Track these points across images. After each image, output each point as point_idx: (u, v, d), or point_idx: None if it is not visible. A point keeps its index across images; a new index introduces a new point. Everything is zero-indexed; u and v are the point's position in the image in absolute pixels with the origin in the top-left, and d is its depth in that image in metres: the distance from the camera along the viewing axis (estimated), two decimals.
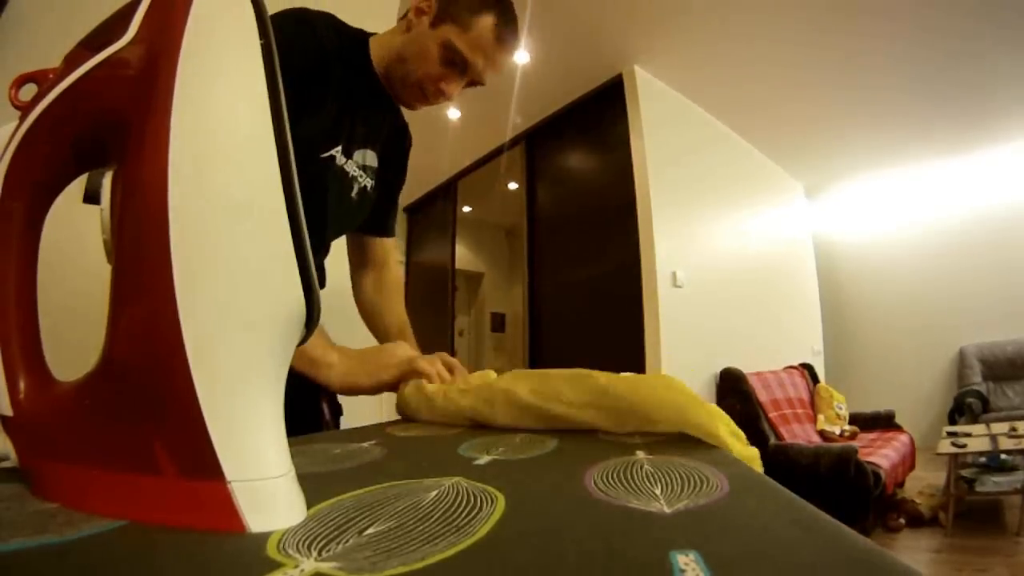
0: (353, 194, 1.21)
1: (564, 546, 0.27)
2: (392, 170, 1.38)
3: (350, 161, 1.17)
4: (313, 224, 0.93)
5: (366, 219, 1.36)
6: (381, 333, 1.40)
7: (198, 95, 0.32)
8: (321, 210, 1.13)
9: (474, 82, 1.18)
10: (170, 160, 0.30)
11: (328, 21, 1.14)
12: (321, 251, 1.26)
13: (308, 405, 1.18)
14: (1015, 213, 5.72)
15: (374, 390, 1.01)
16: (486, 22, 1.10)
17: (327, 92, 1.07)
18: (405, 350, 1.06)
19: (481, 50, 1.12)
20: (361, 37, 1.20)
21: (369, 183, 1.26)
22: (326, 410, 1.22)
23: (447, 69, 1.13)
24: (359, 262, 1.46)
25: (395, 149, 1.37)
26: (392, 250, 1.49)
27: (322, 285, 1.28)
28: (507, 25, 1.14)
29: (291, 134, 0.86)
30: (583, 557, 0.25)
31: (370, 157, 1.25)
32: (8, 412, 0.37)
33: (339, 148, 1.13)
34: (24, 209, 0.40)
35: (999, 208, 5.84)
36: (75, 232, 1.01)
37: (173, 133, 0.31)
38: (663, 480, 0.38)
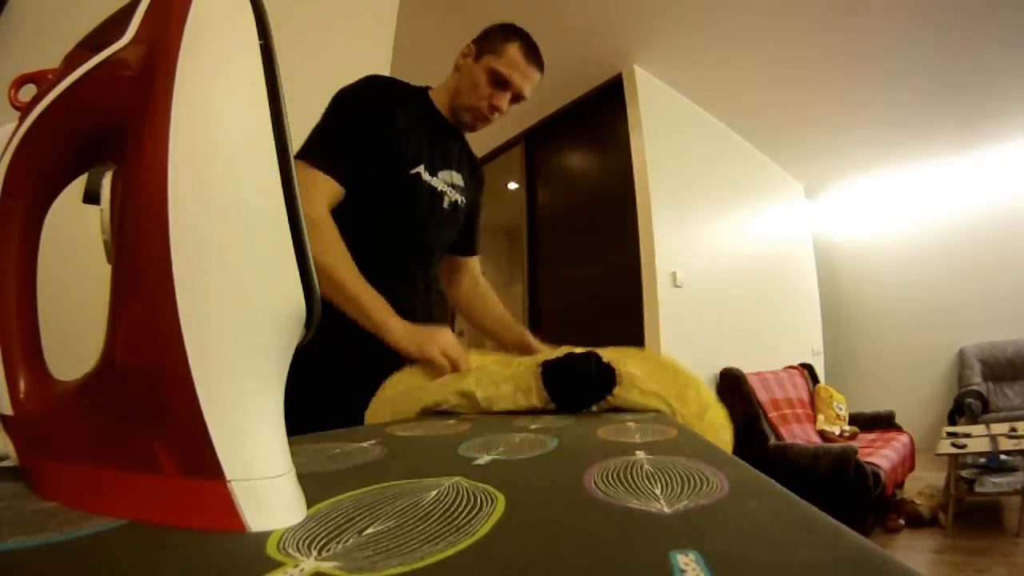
0: (445, 205, 1.47)
1: (564, 546, 0.27)
2: (477, 190, 1.68)
3: (436, 178, 1.44)
4: (413, 235, 1.23)
5: (459, 239, 1.64)
6: (496, 333, 1.74)
7: (197, 95, 0.32)
8: (417, 221, 1.41)
9: (516, 96, 1.48)
10: (170, 160, 0.30)
11: (387, 78, 1.51)
12: (429, 262, 1.50)
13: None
14: (1015, 213, 5.73)
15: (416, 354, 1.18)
16: (514, 47, 1.43)
17: (397, 122, 1.37)
18: (443, 337, 1.21)
19: (516, 67, 1.43)
20: (421, 88, 1.52)
21: (460, 198, 1.54)
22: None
23: (494, 89, 1.44)
24: (452, 278, 1.73)
25: (475, 172, 1.67)
26: (477, 266, 1.79)
27: (436, 295, 1.55)
28: (530, 47, 1.46)
29: (380, 156, 1.19)
30: (583, 557, 0.25)
31: (456, 177, 1.53)
32: (8, 411, 0.37)
33: (422, 167, 1.39)
34: (24, 209, 0.40)
35: (999, 208, 5.85)
36: (75, 232, 1.00)
37: (172, 133, 0.31)
38: (663, 480, 0.38)
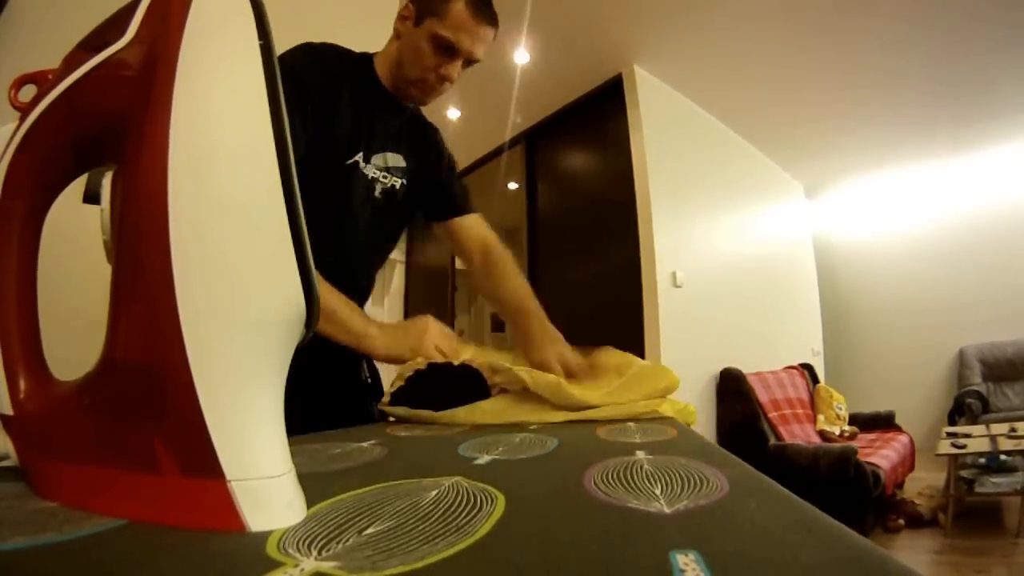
0: (377, 193, 1.32)
1: (564, 546, 0.27)
2: (431, 156, 1.48)
3: (369, 165, 1.29)
4: (349, 224, 1.08)
5: (435, 208, 1.51)
6: (509, 319, 1.51)
7: (197, 95, 0.32)
8: (350, 211, 1.27)
9: (469, 61, 1.29)
10: (169, 160, 0.30)
11: (331, 49, 1.28)
12: (364, 263, 1.40)
13: (359, 405, 1.31)
14: (1015, 213, 5.73)
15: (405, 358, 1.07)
16: (458, 5, 1.22)
17: (340, 107, 1.21)
18: (432, 330, 1.15)
19: (463, 30, 1.23)
20: (364, 57, 1.34)
21: (397, 182, 1.37)
22: (376, 412, 1.30)
23: (440, 57, 1.25)
24: (461, 252, 1.57)
25: (422, 140, 1.46)
26: (483, 226, 1.57)
27: (367, 294, 1.45)
28: (476, 4, 1.24)
29: (318, 149, 0.99)
30: (583, 557, 0.25)
31: (393, 158, 1.36)
32: (8, 411, 0.38)
33: (360, 155, 1.26)
34: (24, 209, 0.40)
35: (999, 208, 5.85)
36: (75, 232, 1.01)
37: (172, 133, 0.31)
38: (663, 480, 0.38)
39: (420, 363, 0.99)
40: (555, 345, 1.27)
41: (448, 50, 1.24)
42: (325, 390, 1.12)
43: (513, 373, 0.89)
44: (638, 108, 4.37)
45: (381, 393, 1.33)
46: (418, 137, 1.45)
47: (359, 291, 1.36)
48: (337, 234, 1.28)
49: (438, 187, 1.50)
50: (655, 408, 0.87)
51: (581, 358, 1.22)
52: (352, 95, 1.24)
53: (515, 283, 1.54)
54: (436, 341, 1.11)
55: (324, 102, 1.19)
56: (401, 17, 1.29)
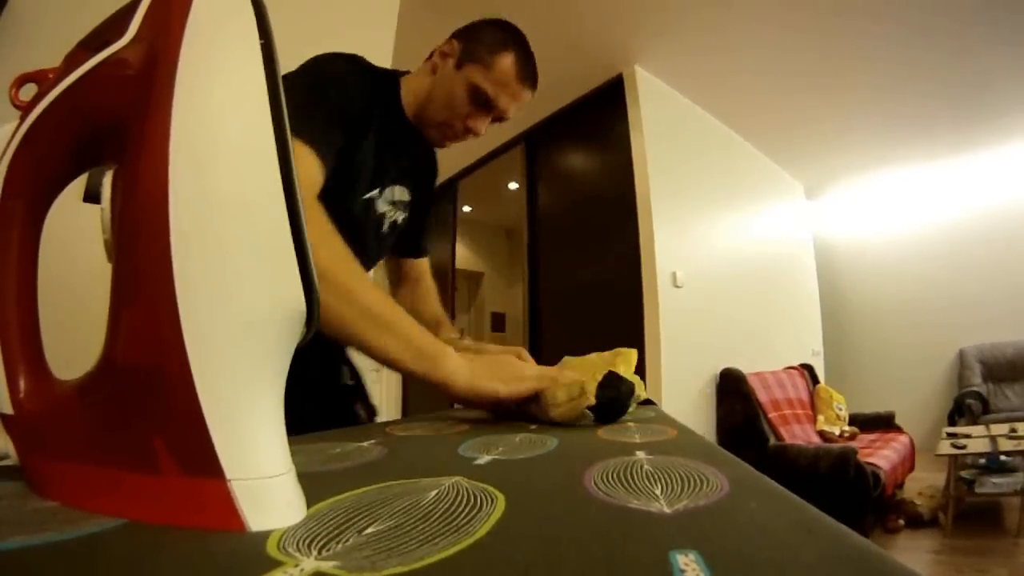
0: (384, 229, 1.28)
1: (564, 546, 0.27)
2: (430, 191, 1.47)
3: (382, 199, 1.24)
4: (361, 262, 0.88)
5: (399, 244, 1.44)
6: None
7: (198, 94, 0.32)
8: (363, 248, 1.19)
9: (498, 118, 1.24)
10: (170, 159, 0.30)
11: (370, 67, 1.20)
12: None
13: (344, 407, 1.26)
14: (1015, 214, 5.74)
15: (506, 399, 0.87)
16: (506, 61, 1.16)
17: (368, 134, 1.13)
18: (531, 365, 0.99)
19: (504, 87, 1.18)
20: (392, 79, 1.26)
21: (400, 216, 1.33)
22: (362, 413, 1.28)
23: (474, 108, 1.19)
24: (396, 280, 1.53)
25: (424, 177, 1.42)
26: (427, 268, 1.54)
27: None
28: (526, 62, 1.20)
29: (342, 176, 0.89)
30: (583, 557, 0.25)
31: (400, 192, 1.30)
32: (8, 411, 0.38)
33: (377, 190, 1.21)
34: (25, 208, 0.40)
35: (999, 209, 5.86)
36: (76, 231, 1.01)
37: (173, 133, 0.31)
38: (663, 480, 0.39)
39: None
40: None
41: (484, 104, 1.19)
42: (305, 393, 1.08)
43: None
44: (638, 108, 4.38)
45: (365, 394, 1.32)
46: (425, 169, 1.41)
47: None
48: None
49: (417, 224, 1.46)
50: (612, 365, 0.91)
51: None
52: (380, 121, 1.17)
53: (437, 306, 1.51)
54: (531, 374, 0.90)
55: (359, 124, 1.11)
56: (442, 54, 1.22)
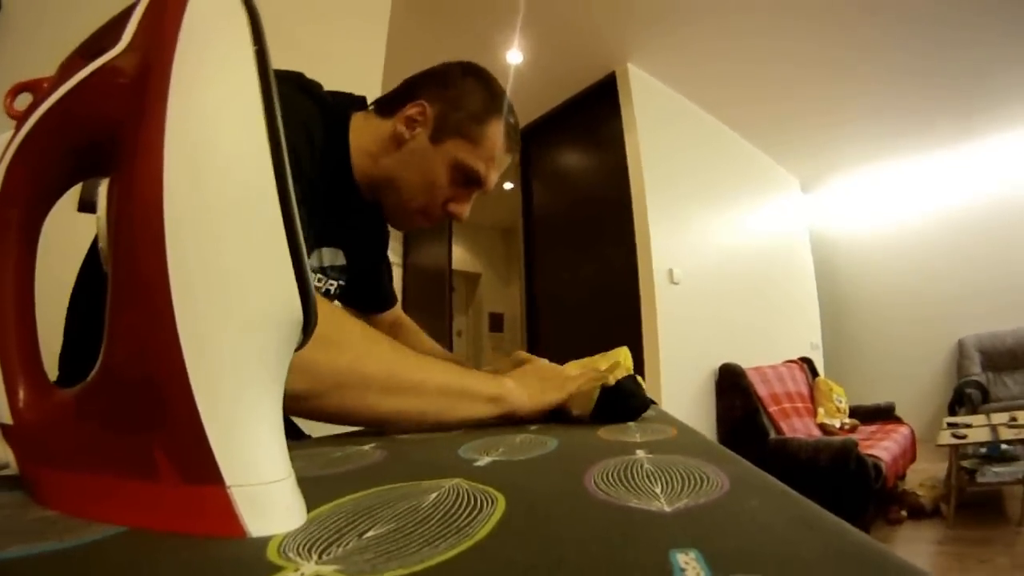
0: None
1: (564, 546, 0.27)
2: (378, 246, 1.29)
3: (310, 260, 1.04)
4: None
5: (358, 304, 1.32)
6: None
7: (192, 102, 0.32)
8: None
9: (481, 191, 1.09)
10: (165, 167, 0.30)
11: (318, 95, 0.99)
12: None
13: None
14: (1012, 203, 5.74)
15: (560, 403, 0.86)
16: (495, 130, 1.02)
17: (308, 204, 0.87)
18: (560, 366, 0.98)
19: (494, 162, 1.04)
20: (341, 120, 1.02)
21: (333, 284, 1.12)
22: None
23: (457, 189, 1.04)
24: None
25: (370, 235, 1.23)
26: (399, 310, 1.42)
27: None
28: (514, 127, 1.07)
29: None
30: (583, 557, 0.25)
31: (329, 256, 1.10)
32: (8, 420, 0.38)
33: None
34: (21, 217, 0.40)
35: (996, 198, 5.86)
36: (73, 240, 1.00)
37: (167, 140, 0.31)
38: (663, 479, 0.39)
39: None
40: None
41: (470, 183, 1.04)
42: None
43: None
44: (632, 106, 4.39)
45: (294, 426, 1.21)
46: (369, 224, 1.17)
47: None
48: None
49: (374, 283, 1.33)
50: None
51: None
52: (320, 170, 0.92)
53: (429, 343, 1.40)
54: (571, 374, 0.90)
55: (307, 183, 0.88)
56: (410, 121, 1.00)
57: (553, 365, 0.95)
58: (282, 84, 0.81)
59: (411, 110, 1.00)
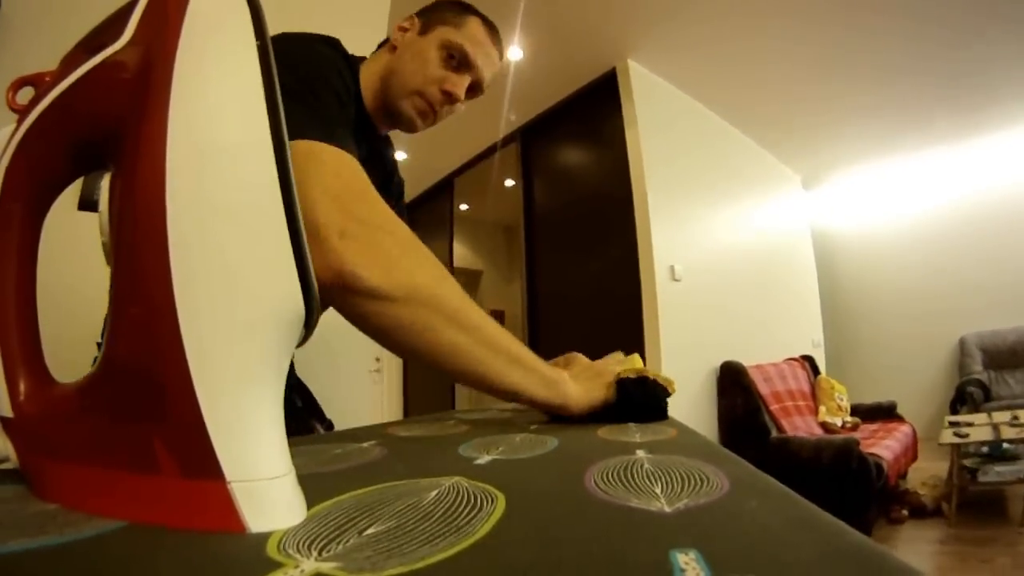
0: None
1: (564, 545, 0.27)
2: (386, 184, 1.29)
3: None
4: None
5: None
6: None
7: (195, 96, 0.32)
8: None
9: (475, 84, 1.15)
10: (167, 162, 0.30)
11: (343, 52, 1.08)
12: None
13: (302, 430, 1.18)
14: (1014, 201, 5.74)
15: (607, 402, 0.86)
16: (474, 22, 1.12)
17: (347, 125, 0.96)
18: (600, 361, 0.98)
19: (478, 44, 1.12)
20: (355, 66, 1.12)
21: None
22: (321, 428, 1.24)
23: (448, 70, 1.11)
24: None
25: (379, 167, 1.25)
26: None
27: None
28: (491, 25, 1.15)
29: None
30: (583, 556, 0.25)
31: None
32: (8, 413, 0.38)
33: None
34: (23, 211, 0.40)
35: (998, 196, 5.85)
36: (74, 234, 1.01)
37: (170, 135, 0.31)
38: (663, 479, 0.39)
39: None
40: None
41: (460, 62, 1.12)
42: None
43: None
44: (633, 102, 4.38)
45: (320, 411, 1.29)
46: (376, 163, 1.21)
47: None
48: None
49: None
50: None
51: None
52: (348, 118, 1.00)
53: None
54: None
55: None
56: (400, 28, 1.15)
57: (596, 363, 0.94)
58: (312, 40, 0.87)
59: (403, 23, 1.16)
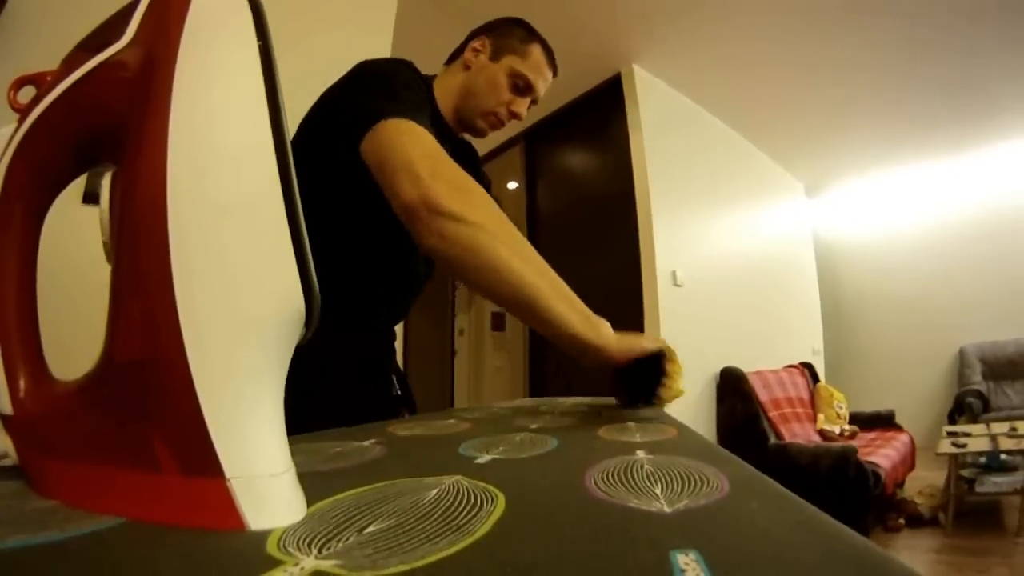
0: None
1: (564, 545, 0.27)
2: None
3: None
4: (399, 281, 1.12)
5: None
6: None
7: (196, 96, 0.32)
8: (407, 265, 1.22)
9: (533, 101, 1.35)
10: (168, 161, 0.30)
11: (416, 71, 1.22)
12: (403, 314, 1.34)
13: (381, 385, 1.28)
14: (1016, 212, 5.74)
15: (653, 352, 1.01)
16: (536, 48, 1.31)
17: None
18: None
19: (540, 72, 1.31)
20: (428, 80, 1.30)
21: None
22: (395, 382, 1.33)
23: (514, 95, 1.30)
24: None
25: (471, 170, 1.26)
26: None
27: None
28: (549, 49, 1.34)
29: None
30: (583, 556, 0.25)
31: None
32: (8, 411, 0.38)
33: None
34: (24, 210, 0.40)
35: (1000, 207, 5.85)
36: (75, 232, 1.01)
37: (171, 134, 0.31)
38: (663, 480, 0.39)
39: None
40: None
41: (523, 88, 1.30)
42: (359, 407, 1.07)
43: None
44: (637, 107, 4.37)
45: (412, 401, 1.34)
46: (466, 167, 1.25)
47: (387, 347, 1.34)
48: (386, 285, 1.22)
49: None
50: None
51: None
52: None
53: None
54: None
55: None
56: (474, 50, 1.31)
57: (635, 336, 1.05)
58: (393, 60, 1.05)
59: (474, 44, 1.31)
